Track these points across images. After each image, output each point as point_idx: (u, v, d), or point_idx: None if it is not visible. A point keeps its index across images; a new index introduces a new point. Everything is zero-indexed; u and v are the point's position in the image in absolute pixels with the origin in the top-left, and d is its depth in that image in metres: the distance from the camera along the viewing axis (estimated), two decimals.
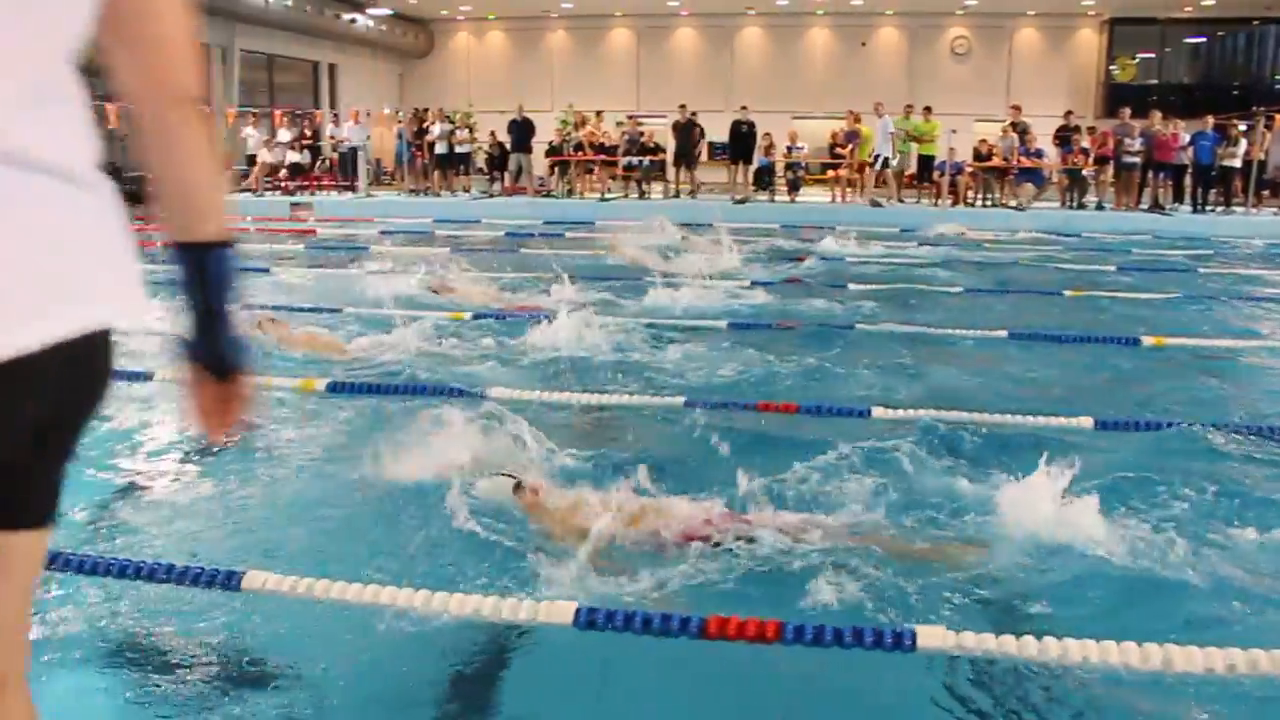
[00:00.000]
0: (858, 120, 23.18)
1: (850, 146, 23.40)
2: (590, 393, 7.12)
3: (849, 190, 23.87)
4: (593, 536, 4.51)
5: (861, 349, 9.17)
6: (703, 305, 11.08)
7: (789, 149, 24.49)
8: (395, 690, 3.69)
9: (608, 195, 24.15)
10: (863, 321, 9.86)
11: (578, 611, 3.83)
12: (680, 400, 6.95)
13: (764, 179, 24.57)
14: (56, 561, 4.31)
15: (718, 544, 4.56)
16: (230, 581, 4.10)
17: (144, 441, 6.19)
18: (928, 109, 22.96)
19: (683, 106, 23.38)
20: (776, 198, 24.18)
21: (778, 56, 34.05)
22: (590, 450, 5.98)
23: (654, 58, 34.88)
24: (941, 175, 22.90)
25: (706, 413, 6.76)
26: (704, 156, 25.25)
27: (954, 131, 22.92)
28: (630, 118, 24.83)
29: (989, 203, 23.43)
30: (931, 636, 3.64)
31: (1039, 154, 22.72)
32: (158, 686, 3.64)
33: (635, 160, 23.84)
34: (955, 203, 22.64)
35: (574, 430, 6.53)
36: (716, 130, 25.48)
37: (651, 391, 7.24)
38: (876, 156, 23.46)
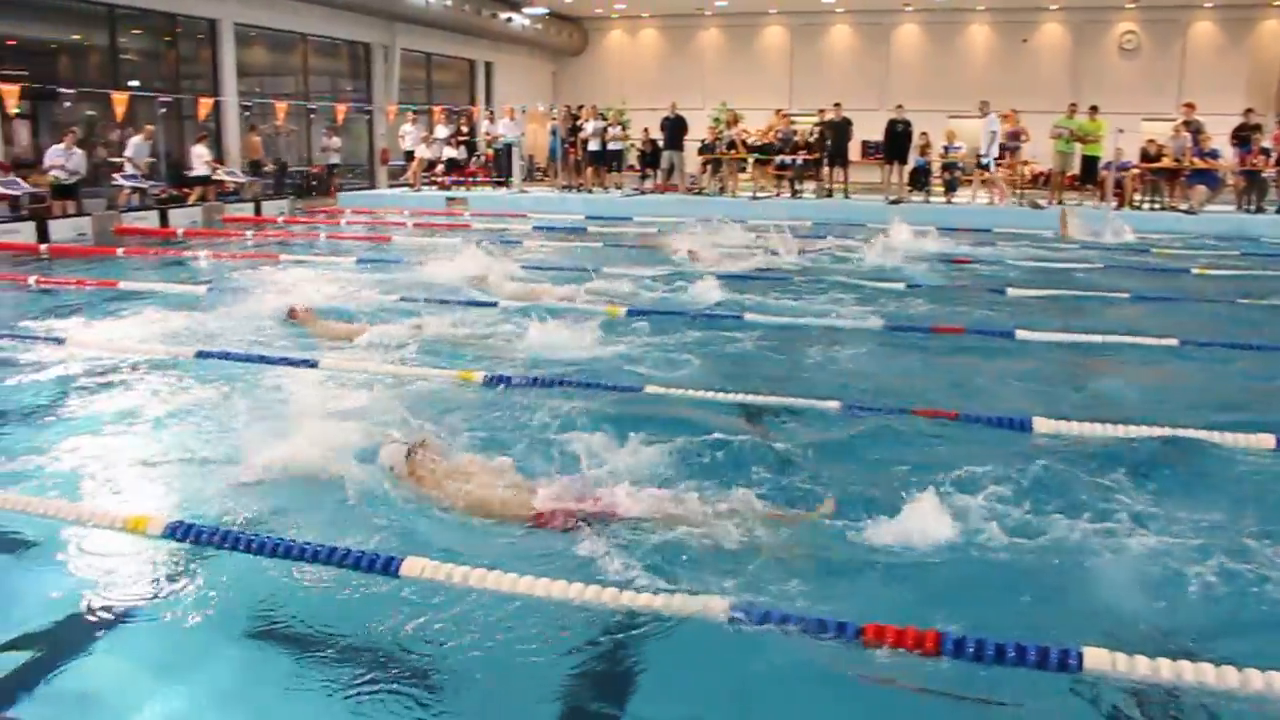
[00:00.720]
0: (1018, 119, 22.52)
1: (1014, 146, 22.70)
2: (745, 393, 7.09)
3: (1008, 191, 23.22)
4: (473, 500, 4.96)
5: (1022, 356, 8.93)
6: (856, 307, 10.94)
7: (945, 149, 23.95)
8: (541, 679, 3.72)
9: (759, 194, 23.99)
10: (1024, 328, 9.57)
11: (731, 608, 3.83)
12: (836, 405, 6.86)
13: (919, 179, 24.08)
14: (227, 540, 4.51)
15: (585, 520, 4.82)
16: (389, 567, 4.23)
17: (309, 427, 6.40)
18: (1093, 108, 22.13)
19: (837, 105, 23.08)
20: (931, 199, 23.66)
21: (935, 53, 33.33)
22: (744, 452, 5.97)
23: (807, 55, 34.52)
24: (1106, 177, 22.03)
25: (863, 416, 6.69)
26: (857, 155, 24.92)
27: (1121, 131, 22.03)
28: (783, 115, 24.61)
29: (1156, 205, 22.45)
30: (1099, 659, 3.52)
31: (1214, 154, 21.62)
32: (311, 663, 3.77)
33: (788, 159, 23.63)
34: (1120, 205, 21.76)
35: (731, 430, 6.51)
36: (871, 129, 25.08)
37: (806, 394, 7.15)
38: (979, 157, 22.90)
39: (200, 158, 22.24)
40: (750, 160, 24.34)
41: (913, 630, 3.68)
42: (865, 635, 3.72)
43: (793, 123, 24.16)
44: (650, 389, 7.20)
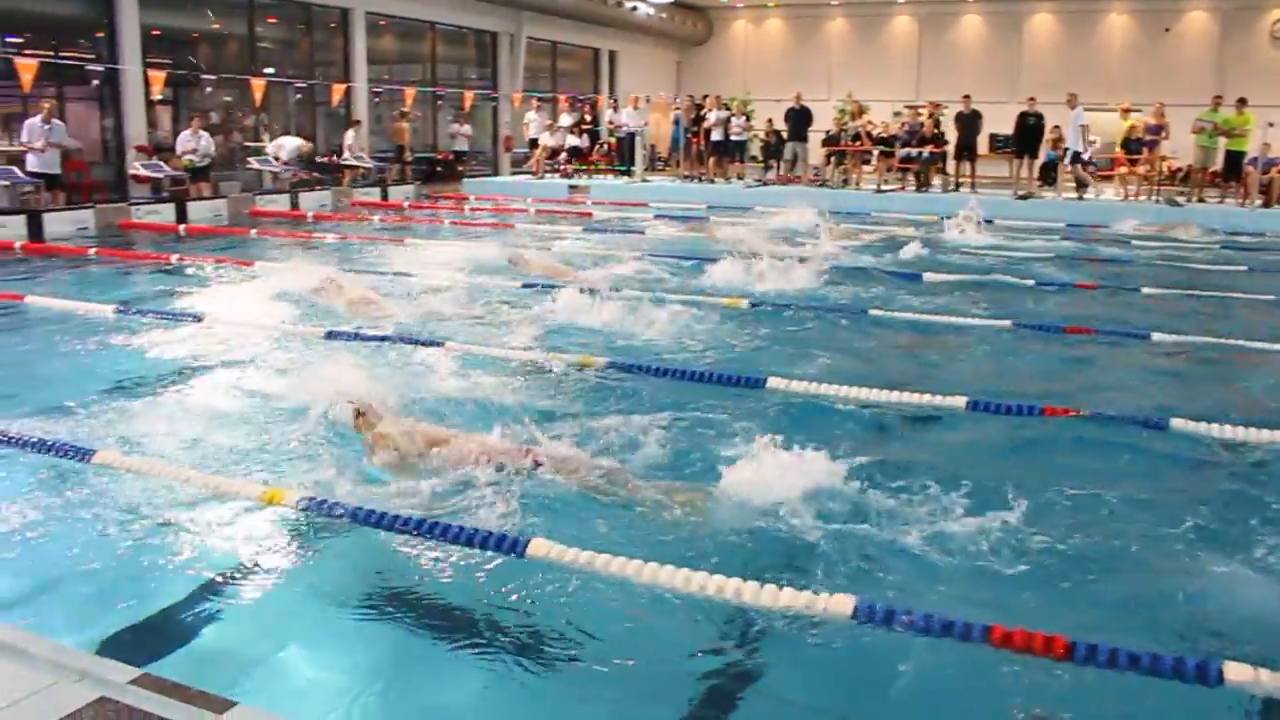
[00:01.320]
0: (1162, 113, 21.70)
1: (1153, 141, 21.87)
2: (873, 388, 6.95)
3: (1143, 188, 22.41)
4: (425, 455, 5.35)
5: (1159, 357, 8.61)
6: (985, 304, 10.68)
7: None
8: (660, 666, 3.73)
9: (884, 186, 23.60)
10: (1160, 330, 9.21)
11: (856, 606, 3.76)
12: (962, 401, 6.69)
13: (1050, 174, 23.38)
14: (357, 515, 4.59)
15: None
16: (515, 548, 4.26)
17: (432, 405, 6.49)
18: (1241, 100, 21.15)
19: (966, 97, 22.52)
20: (1063, 194, 22.94)
21: (1070, 44, 32.31)
22: (881, 457, 5.90)
23: (936, 46, 33.81)
24: (1251, 173, 21.06)
25: (989, 416, 6.53)
26: (985, 149, 24.31)
27: (1270, 125, 21.03)
28: (909, 108, 24.15)
29: None
30: (1240, 672, 3.36)
31: None
32: (432, 639, 3.85)
33: (914, 151, 23.18)
34: (1267, 204, 20.80)
35: (859, 428, 6.44)
36: (1000, 122, 24.43)
37: (932, 391, 6.98)
38: (1066, 150, 22.14)
39: (352, 145, 22.99)
40: (875, 153, 23.95)
41: (1041, 634, 3.58)
42: (992, 637, 3.63)
43: (919, 115, 23.66)
44: (773, 383, 7.11)
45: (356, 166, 23.41)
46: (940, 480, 5.40)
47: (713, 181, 25.04)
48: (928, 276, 12.32)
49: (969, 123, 22.47)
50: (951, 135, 23.08)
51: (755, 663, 3.79)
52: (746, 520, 4.88)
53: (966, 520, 4.84)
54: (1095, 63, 31.35)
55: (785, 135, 24.61)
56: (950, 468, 5.65)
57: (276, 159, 21.32)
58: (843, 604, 3.81)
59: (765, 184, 24.87)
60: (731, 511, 4.97)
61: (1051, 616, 3.84)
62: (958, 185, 23.20)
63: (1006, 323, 9.54)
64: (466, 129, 26.86)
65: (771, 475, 5.26)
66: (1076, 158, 22.09)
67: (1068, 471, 5.71)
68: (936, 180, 23.82)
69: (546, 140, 26.50)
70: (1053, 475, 5.61)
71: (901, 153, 23.32)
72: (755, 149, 26.71)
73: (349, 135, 23.40)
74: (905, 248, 15.07)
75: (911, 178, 23.65)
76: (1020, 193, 22.23)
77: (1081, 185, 22.45)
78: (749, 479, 5.22)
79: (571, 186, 24.82)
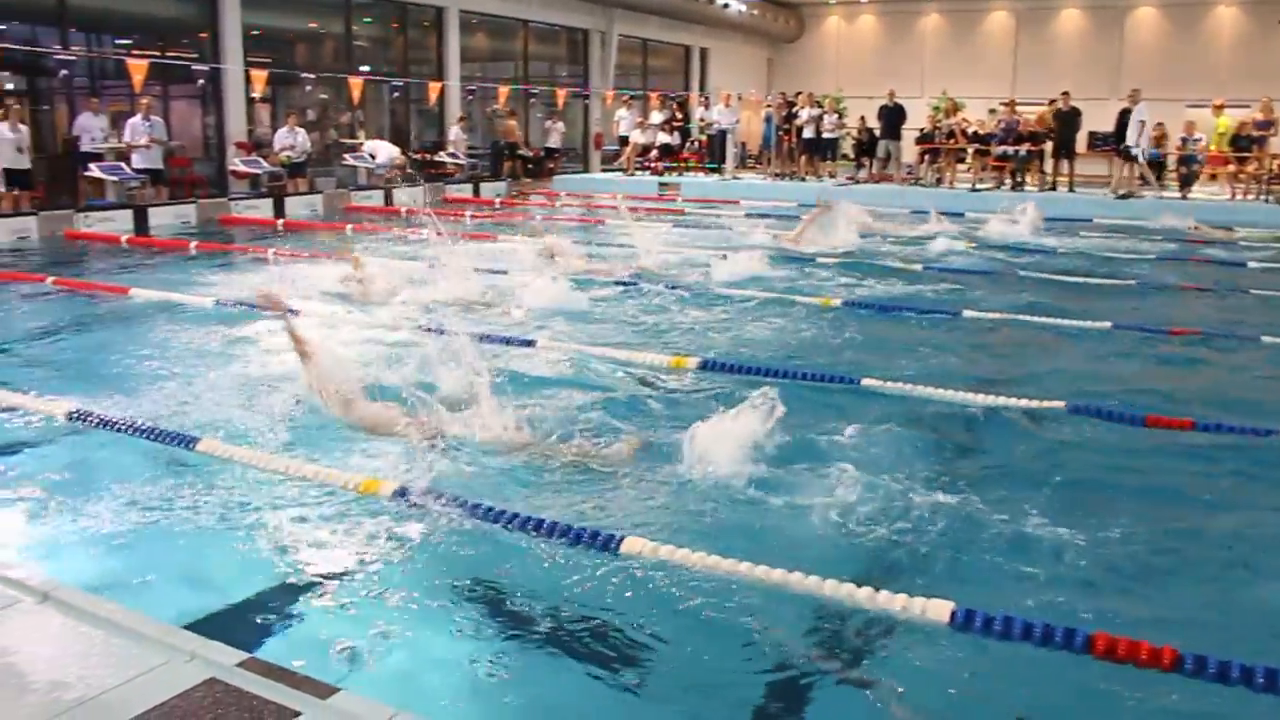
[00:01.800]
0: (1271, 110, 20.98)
1: (1261, 138, 21.14)
2: (968, 391, 6.83)
3: (1253, 187, 21.71)
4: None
5: (1273, 363, 8.32)
6: (1082, 305, 10.44)
7: (1183, 140, 22.49)
8: (751, 665, 3.70)
9: (979, 185, 23.17)
10: (1271, 334, 8.90)
11: (954, 613, 3.70)
12: (1062, 404, 6.53)
13: (1154, 173, 22.72)
14: (452, 506, 4.63)
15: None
16: (610, 545, 4.26)
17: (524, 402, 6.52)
18: None
19: (1065, 94, 22.00)
20: (1165, 193, 22.31)
21: (1175, 39, 31.39)
22: (977, 461, 5.80)
23: (1034, 41, 33.10)
24: None
25: (1090, 421, 6.37)
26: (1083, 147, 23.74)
27: None
28: (1006, 105, 23.68)
29: None
30: None
31: None
32: (522, 632, 3.86)
33: (1010, 149, 22.72)
34: None
35: (954, 429, 6.33)
36: (1100, 119, 23.84)
37: (1030, 394, 6.83)
38: (1127, 148, 21.58)
39: (458, 141, 23.42)
40: (970, 151, 23.54)
41: (1147, 645, 3.47)
42: (1095, 646, 3.54)
43: (1016, 112, 23.18)
44: (867, 382, 7.02)
45: (446, 164, 23.71)
46: (1038, 486, 5.31)
47: (804, 180, 24.84)
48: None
49: (1067, 120, 21.95)
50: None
51: (847, 664, 3.75)
52: (839, 521, 4.83)
53: (1067, 528, 4.74)
54: (1202, 58, 30.41)
55: (878, 133, 24.31)
56: (1050, 473, 5.55)
57: (372, 156, 21.66)
58: (940, 609, 3.76)
59: (857, 182, 24.61)
60: (824, 512, 4.92)
61: (1152, 630, 3.71)
62: (1054, 184, 22.69)
63: (1106, 324, 9.30)
64: (559, 126, 27.03)
65: (862, 476, 5.23)
66: (1128, 154, 21.58)
67: (1174, 481, 5.57)
68: (1033, 179, 23.31)
69: (637, 137, 26.53)
70: (1159, 485, 5.47)
71: (997, 150, 22.87)
72: (847, 147, 26.42)
73: (453, 131, 23.77)
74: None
75: (1007, 176, 23.18)
76: (1120, 192, 21.67)
77: (1144, 183, 21.87)
78: (838, 479, 5.19)
79: (662, 184, 24.82)
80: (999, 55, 33.48)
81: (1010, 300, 10.60)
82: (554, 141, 26.90)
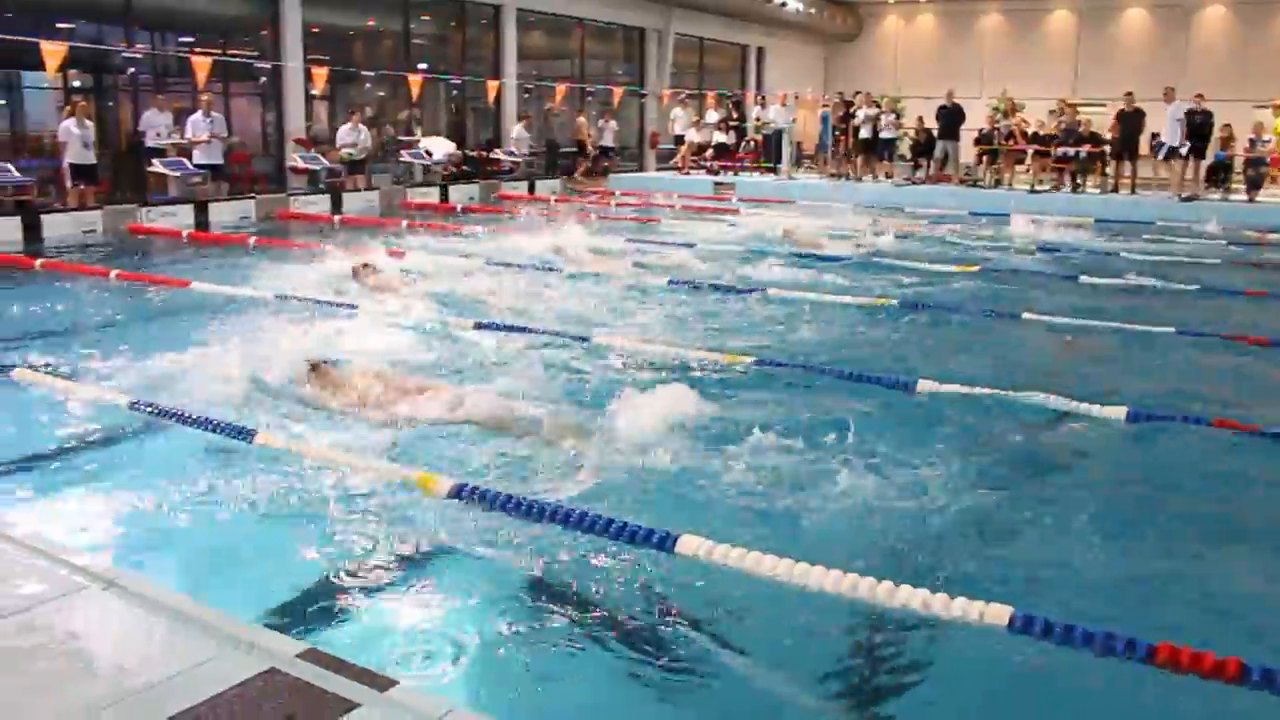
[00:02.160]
0: None
1: None
2: (1027, 393, 6.72)
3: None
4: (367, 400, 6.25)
5: None
6: (1144, 309, 10.26)
7: (1251, 142, 22.02)
8: (804, 668, 3.68)
9: (1038, 187, 22.86)
10: None
11: (1013, 617, 3.63)
12: (1123, 411, 6.41)
13: (1218, 175, 22.29)
14: (508, 503, 4.63)
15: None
16: (665, 543, 4.24)
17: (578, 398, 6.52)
18: None
19: (1128, 94, 21.63)
20: (1231, 196, 21.86)
21: (1244, 38, 30.74)
22: (1033, 464, 5.72)
23: (1096, 41, 32.60)
24: None
25: (1153, 426, 6.25)
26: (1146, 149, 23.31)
27: None
28: (1068, 105, 23.34)
29: None
30: None
31: None
32: (575, 629, 3.86)
33: (1070, 151, 22.38)
34: None
35: (976, 431, 6.25)
36: (1164, 120, 23.38)
37: (1090, 398, 6.71)
38: (1161, 145, 21.22)
39: (520, 139, 23.65)
40: (1030, 152, 23.23)
41: (1211, 656, 3.38)
42: (1157, 655, 3.46)
43: (1078, 112, 22.83)
44: (923, 384, 6.94)
45: (501, 161, 23.84)
46: (1097, 491, 5.23)
47: (860, 180, 24.66)
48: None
49: (1130, 121, 21.57)
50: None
51: (901, 667, 3.73)
52: (894, 524, 4.79)
53: (1127, 535, 4.66)
54: (1271, 58, 29.78)
55: (936, 133, 24.06)
56: (1110, 479, 5.46)
57: (429, 154, 21.82)
58: (999, 613, 3.69)
59: (914, 183, 24.38)
60: (882, 515, 4.88)
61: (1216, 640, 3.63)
62: (1116, 186, 22.34)
63: (1169, 329, 9.12)
64: (613, 124, 27.06)
65: (917, 478, 5.22)
66: (1172, 153, 21.21)
67: (1238, 488, 5.46)
68: (1094, 181, 22.97)
69: (693, 136, 26.48)
70: (1223, 492, 5.36)
71: (1058, 152, 22.55)
72: (904, 147, 26.19)
73: (516, 130, 23.93)
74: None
75: (1067, 178, 22.84)
76: (1184, 195, 21.28)
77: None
78: (893, 480, 5.18)
79: (717, 183, 24.75)
80: (1060, 55, 33.03)
81: (1069, 302, 10.45)
82: (608, 140, 26.93)
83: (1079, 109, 23.02)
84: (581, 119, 25.98)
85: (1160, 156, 21.63)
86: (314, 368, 6.64)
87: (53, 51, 15.93)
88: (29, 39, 16.13)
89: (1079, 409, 6.51)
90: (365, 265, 10.77)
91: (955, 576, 4.25)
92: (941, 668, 3.70)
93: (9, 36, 16.49)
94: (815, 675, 3.61)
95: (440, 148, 21.98)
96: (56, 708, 2.80)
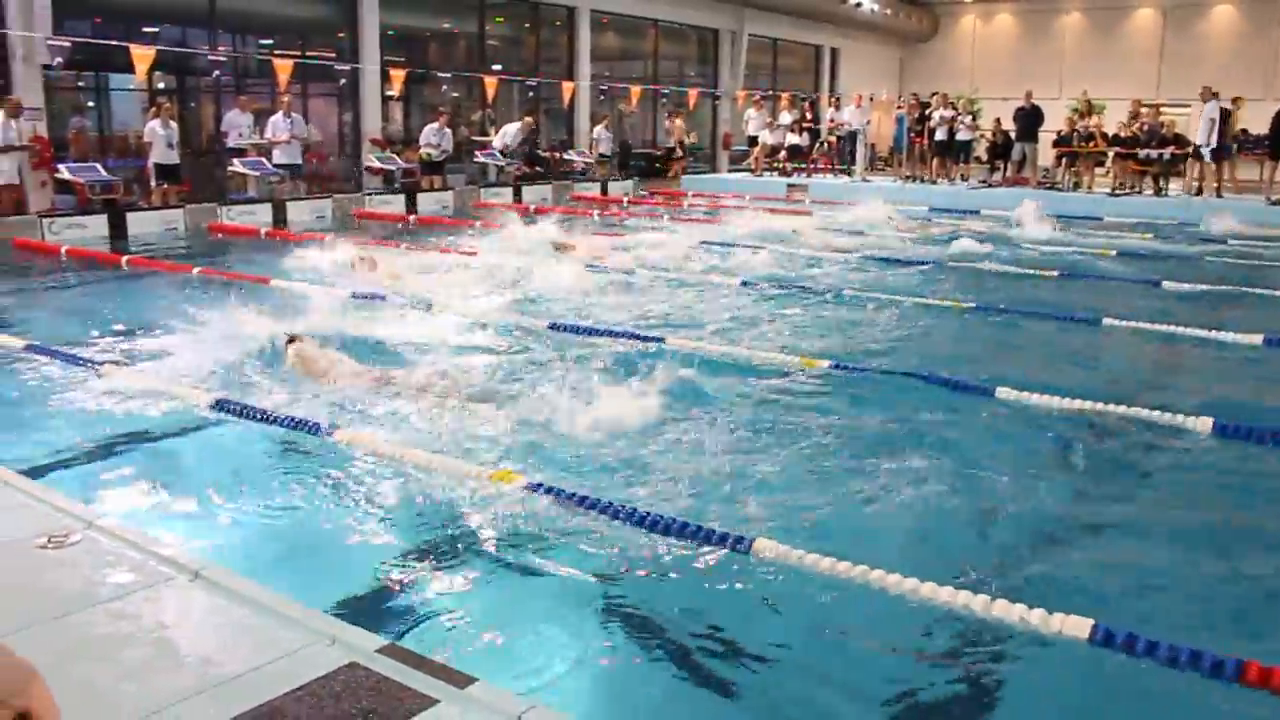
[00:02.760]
0: None
1: None
2: (1107, 402, 6.58)
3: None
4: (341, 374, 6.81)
5: None
6: (1231, 316, 10.00)
7: None
8: (876, 674, 3.64)
9: (1118, 190, 22.40)
10: None
11: (1094, 629, 3.56)
12: (1209, 423, 6.25)
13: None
14: (583, 502, 4.64)
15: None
16: (740, 546, 4.22)
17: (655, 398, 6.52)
18: None
19: (1215, 94, 21.10)
20: None
21: None
22: (1084, 475, 5.62)
23: (1182, 40, 31.86)
24: None
25: (1239, 440, 6.08)
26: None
27: None
28: (1143, 106, 22.84)
29: None
30: None
31: None
32: (647, 630, 3.86)
33: (1153, 153, 21.89)
34: None
35: (1054, 439, 6.13)
36: (1252, 121, 22.82)
37: (1174, 408, 6.55)
38: (1196, 148, 20.75)
39: (599, 140, 23.89)
40: (1110, 154, 22.76)
41: None
42: (1246, 674, 3.36)
43: (1160, 113, 22.33)
44: (1002, 392, 6.82)
45: (575, 162, 23.98)
46: (1179, 504, 5.12)
47: (935, 182, 24.37)
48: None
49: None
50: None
51: (978, 678, 3.67)
52: (972, 532, 4.74)
53: (1210, 550, 4.55)
54: None
55: (1014, 135, 23.70)
56: (1194, 492, 5.34)
57: (504, 151, 21.95)
58: (1079, 625, 3.63)
59: (991, 185, 24.05)
60: (959, 522, 4.82)
61: None
62: (1200, 189, 21.81)
63: (1256, 338, 8.88)
64: (679, 125, 27.05)
65: (994, 486, 5.18)
66: (1211, 152, 20.83)
67: None
68: (1177, 184, 22.45)
69: (766, 138, 26.38)
70: None
71: (1141, 154, 22.07)
72: (981, 149, 25.83)
73: (596, 131, 24.14)
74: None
75: (1149, 181, 22.35)
76: (1274, 197, 20.72)
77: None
78: (973, 488, 5.12)
79: (790, 185, 24.62)
80: (1144, 55, 32.34)
81: (1150, 308, 10.22)
82: (673, 141, 26.91)
83: (1162, 109, 22.45)
84: (679, 121, 26.11)
85: (1206, 158, 21.22)
86: (291, 340, 7.24)
87: (142, 55, 16.33)
88: (119, 43, 16.58)
89: (1163, 419, 6.36)
90: (363, 259, 11.02)
91: (1033, 587, 4.17)
92: (1017, 680, 3.64)
93: (99, 41, 16.94)
94: (887, 683, 3.57)
95: (511, 128, 22.12)
96: (146, 695, 2.86)
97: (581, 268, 11.54)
